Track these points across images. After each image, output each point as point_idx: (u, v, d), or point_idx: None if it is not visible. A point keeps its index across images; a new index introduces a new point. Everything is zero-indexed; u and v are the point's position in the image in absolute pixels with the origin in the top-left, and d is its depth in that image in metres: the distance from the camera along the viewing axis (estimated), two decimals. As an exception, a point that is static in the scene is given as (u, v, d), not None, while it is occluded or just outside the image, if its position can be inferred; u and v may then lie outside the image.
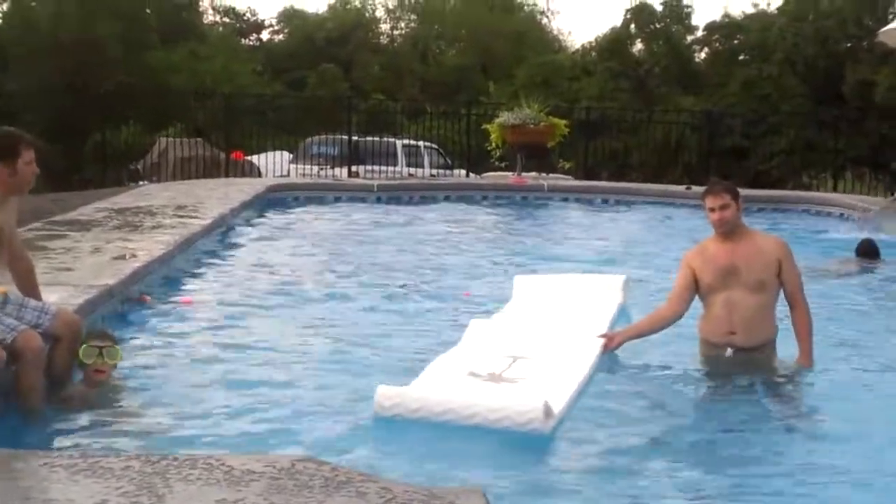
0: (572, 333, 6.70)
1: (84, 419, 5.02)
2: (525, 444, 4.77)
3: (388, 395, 4.99)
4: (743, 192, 6.43)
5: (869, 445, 4.97)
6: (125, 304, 7.17)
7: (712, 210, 6.15)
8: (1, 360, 4.86)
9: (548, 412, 4.84)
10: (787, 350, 6.21)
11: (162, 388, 5.53)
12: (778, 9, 41.24)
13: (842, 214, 15.49)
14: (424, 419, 4.89)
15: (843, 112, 30.79)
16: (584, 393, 5.66)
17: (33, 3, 38.92)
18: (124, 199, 13.12)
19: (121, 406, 5.26)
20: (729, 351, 6.15)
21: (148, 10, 40.64)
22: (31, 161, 5.29)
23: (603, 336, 6.53)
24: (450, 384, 5.43)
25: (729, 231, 6.16)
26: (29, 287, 5.63)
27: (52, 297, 5.96)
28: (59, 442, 4.72)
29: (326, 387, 5.67)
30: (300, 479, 3.36)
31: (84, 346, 5.36)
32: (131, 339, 6.44)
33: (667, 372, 6.31)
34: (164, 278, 8.32)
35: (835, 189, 21.39)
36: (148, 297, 7.50)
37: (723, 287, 6.12)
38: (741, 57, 42.54)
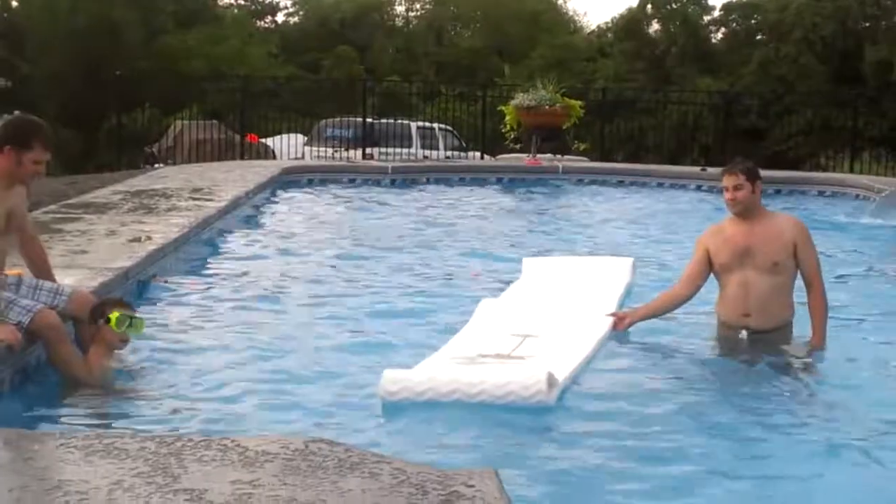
0: (582, 313, 6.70)
1: (99, 400, 5.05)
2: (532, 424, 4.78)
3: (394, 380, 5.00)
4: (760, 172, 6.37)
5: (881, 426, 4.94)
6: (140, 285, 7.19)
7: (727, 189, 6.12)
8: (19, 342, 4.90)
9: (551, 382, 4.87)
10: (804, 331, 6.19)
11: (175, 369, 5.55)
12: (796, -12, 40.96)
13: (858, 195, 15.40)
14: (431, 401, 4.90)
15: (862, 92, 30.60)
16: (590, 367, 5.67)
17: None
18: (140, 181, 13.15)
19: (135, 387, 5.28)
20: (744, 333, 6.13)
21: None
22: (40, 161, 5.23)
23: (613, 315, 6.52)
24: (455, 364, 5.44)
25: (744, 211, 6.12)
26: (42, 270, 5.65)
27: (67, 279, 5.99)
28: (74, 422, 4.74)
29: (337, 368, 5.68)
30: (314, 459, 3.37)
31: (118, 313, 5.36)
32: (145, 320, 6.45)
33: (680, 351, 6.30)
34: (178, 260, 8.34)
35: (851, 170, 21.26)
36: (161, 279, 7.52)
37: (738, 268, 6.10)
38: (758, 37, 42.36)
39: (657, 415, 5.07)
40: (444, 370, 5.26)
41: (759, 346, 6.07)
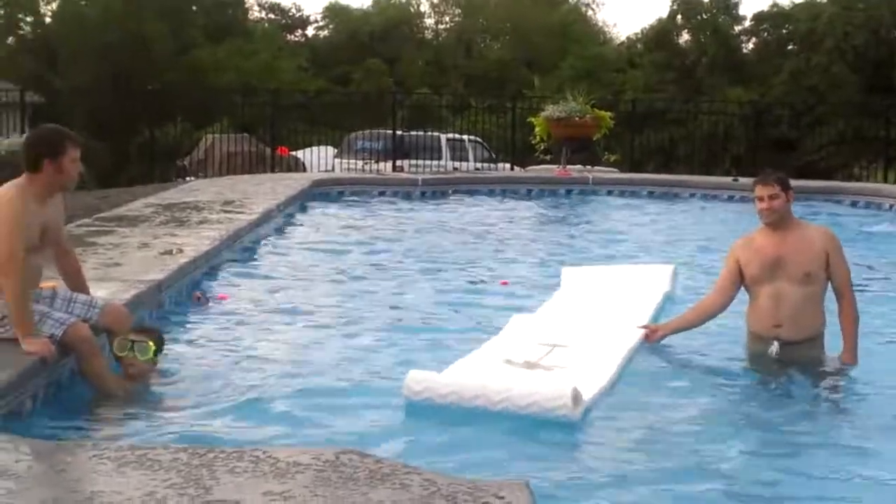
0: (614, 323, 6.68)
1: (132, 412, 5.08)
2: (562, 436, 4.76)
3: (419, 380, 5.02)
4: (791, 182, 6.34)
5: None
6: (180, 303, 7.24)
7: (761, 199, 6.07)
8: (52, 355, 4.94)
9: (576, 399, 4.83)
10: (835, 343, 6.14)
11: (206, 382, 5.57)
12: (827, -3, 40.78)
13: (892, 206, 15.27)
14: (454, 404, 4.90)
15: (895, 102, 30.36)
16: (619, 381, 5.64)
17: (83, 3, 39.36)
18: (171, 194, 13.23)
19: (167, 400, 5.31)
20: (775, 345, 6.08)
21: (194, 8, 40.96)
22: (76, 159, 5.34)
23: (645, 327, 6.49)
24: (481, 370, 5.43)
25: (776, 222, 6.08)
26: (76, 283, 5.71)
27: (100, 292, 6.03)
28: (106, 434, 4.77)
29: (367, 379, 5.70)
30: (345, 471, 3.38)
31: (119, 337, 5.41)
32: (175, 333, 6.48)
33: (711, 364, 6.27)
34: (210, 272, 8.38)
35: (885, 180, 21.09)
36: (200, 296, 7.57)
37: (769, 279, 6.06)
38: (790, 47, 42.14)
39: (687, 429, 5.05)
40: (470, 375, 5.26)
41: (790, 358, 6.03)
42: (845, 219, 14.04)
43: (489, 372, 5.41)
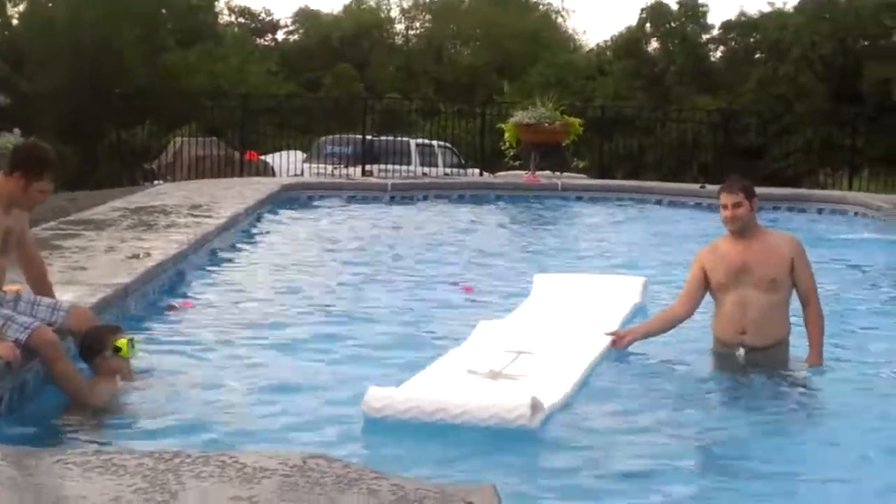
0: (582, 331, 6.70)
1: (97, 417, 5.04)
2: (523, 438, 4.78)
3: (378, 397, 4.96)
4: (758, 190, 6.40)
5: (875, 447, 4.91)
6: (147, 307, 7.21)
7: (725, 207, 6.12)
8: (17, 359, 4.90)
9: (535, 408, 4.83)
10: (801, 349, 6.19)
11: (172, 386, 5.55)
12: (794, 7, 41.10)
13: (856, 213, 15.41)
14: (414, 419, 4.88)
15: (861, 111, 30.65)
16: (583, 389, 5.66)
17: (50, 5, 39.11)
18: (139, 198, 13.16)
19: (133, 404, 5.28)
20: (741, 351, 6.12)
21: (164, 12, 40.77)
22: (45, 190, 5.32)
23: (612, 334, 6.51)
24: (442, 383, 5.41)
25: (741, 229, 6.13)
26: (41, 287, 5.68)
27: (66, 295, 5.99)
28: (72, 439, 4.74)
29: (333, 385, 5.67)
30: (312, 476, 3.37)
31: (125, 340, 5.38)
32: (141, 338, 6.44)
33: (677, 370, 6.30)
34: (177, 277, 8.34)
35: (850, 188, 21.29)
36: (179, 304, 7.55)
37: (734, 286, 6.10)
38: (757, 55, 42.45)
39: (653, 432, 5.07)
40: (429, 390, 5.22)
41: (756, 364, 6.07)
42: (817, 226, 14.20)
43: (450, 384, 5.38)
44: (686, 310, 6.34)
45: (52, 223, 9.95)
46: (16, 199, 5.27)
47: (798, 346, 6.22)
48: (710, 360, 6.33)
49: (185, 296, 7.90)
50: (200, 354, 6.25)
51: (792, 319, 6.25)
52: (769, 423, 5.31)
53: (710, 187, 15.41)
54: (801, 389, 5.93)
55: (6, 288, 5.46)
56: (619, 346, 6.39)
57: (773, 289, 6.05)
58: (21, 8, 40.93)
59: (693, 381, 6.14)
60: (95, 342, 5.39)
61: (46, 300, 5.54)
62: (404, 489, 3.26)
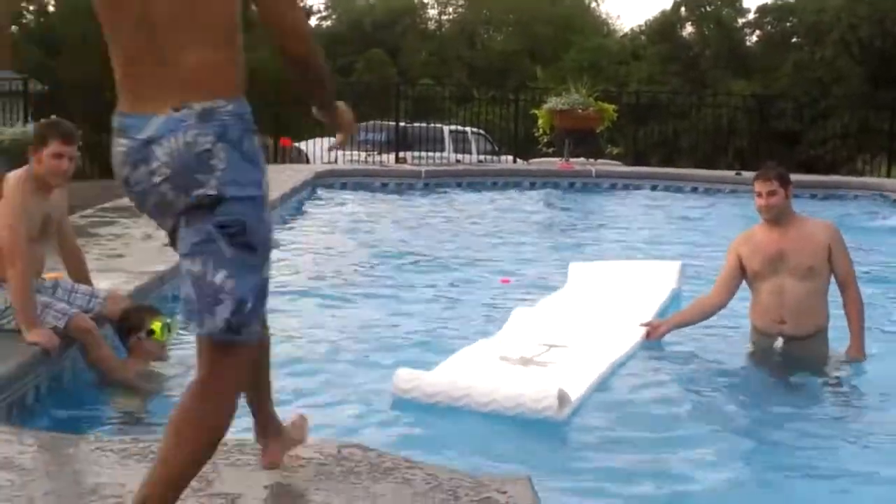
0: (618, 320, 6.67)
1: (134, 404, 5.08)
2: (555, 429, 4.76)
3: (407, 378, 5.02)
4: (794, 177, 6.33)
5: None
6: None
7: (759, 195, 6.06)
8: (55, 346, 4.94)
9: (563, 399, 4.81)
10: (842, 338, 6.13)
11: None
12: (832, -10, 40.68)
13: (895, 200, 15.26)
14: (442, 403, 4.90)
15: (899, 95, 30.31)
16: (616, 379, 5.64)
17: (85, -9, 39.34)
18: (175, 185, 13.20)
19: (170, 391, 5.31)
20: (779, 340, 6.07)
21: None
22: (59, 154, 5.19)
23: (647, 325, 6.48)
24: (472, 369, 5.40)
25: (776, 217, 6.07)
26: (79, 274, 5.72)
27: (103, 283, 6.04)
28: (109, 426, 4.77)
29: (368, 373, 5.67)
30: (346, 465, 3.38)
31: (159, 323, 5.41)
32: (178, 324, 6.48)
33: (714, 360, 6.26)
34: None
35: (889, 174, 21.06)
36: None
37: (771, 274, 6.05)
38: (794, 40, 42.06)
39: (690, 424, 5.04)
40: (458, 375, 5.23)
41: (795, 353, 6.02)
42: (855, 212, 14.07)
43: (479, 370, 5.37)
44: (722, 299, 6.29)
45: (88, 210, 10.02)
46: (44, 177, 5.25)
47: (838, 338, 6.15)
48: (748, 350, 6.28)
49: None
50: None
51: (833, 311, 6.18)
52: (807, 420, 5.25)
53: (746, 174, 15.31)
54: (840, 384, 5.86)
55: (46, 275, 5.50)
56: (654, 336, 6.36)
57: (810, 277, 5.99)
58: (56, -5, 41.22)
59: (729, 373, 6.10)
60: (133, 321, 5.43)
61: (84, 288, 5.58)
62: (438, 478, 3.27)
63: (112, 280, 6.37)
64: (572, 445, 4.76)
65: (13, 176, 5.24)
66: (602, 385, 5.45)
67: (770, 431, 5.08)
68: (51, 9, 40.95)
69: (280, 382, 5.35)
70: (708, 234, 11.84)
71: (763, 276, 6.08)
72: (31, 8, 41.22)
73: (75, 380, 5.25)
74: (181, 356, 5.70)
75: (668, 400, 5.39)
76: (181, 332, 5.58)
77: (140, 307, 5.64)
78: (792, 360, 5.99)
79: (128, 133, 2.73)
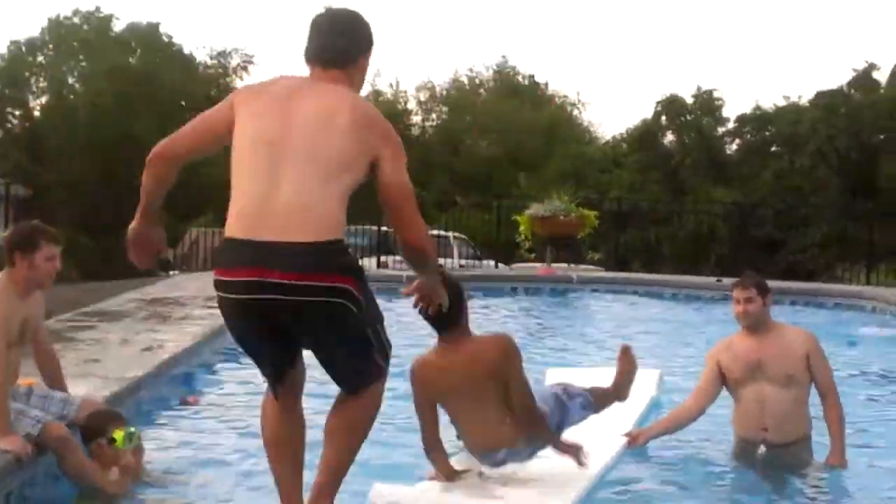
0: (596, 430, 6.59)
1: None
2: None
3: (384, 494, 4.84)
4: (774, 283, 6.37)
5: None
6: (160, 401, 7.16)
7: (738, 302, 6.09)
8: (28, 454, 4.86)
9: None
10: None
11: (185, 482, 5.48)
12: (809, 101, 41.39)
13: (874, 308, 15.32)
14: None
15: (878, 204, 30.69)
16: (600, 489, 5.56)
17: (72, 97, 39.70)
18: (155, 289, 13.19)
19: (146, 499, 5.22)
20: (762, 448, 6.03)
21: (184, 104, 41.36)
22: (52, 257, 5.22)
23: (627, 434, 6.42)
24: (453, 486, 5.20)
25: (754, 325, 6.08)
26: (54, 379, 5.65)
27: (80, 388, 5.97)
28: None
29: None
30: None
31: (122, 432, 5.30)
32: (155, 432, 6.40)
33: (695, 468, 6.20)
34: (190, 370, 8.31)
35: (868, 282, 21.21)
36: (193, 399, 7.51)
37: (752, 382, 6.04)
38: (773, 148, 42.64)
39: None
40: (439, 493, 5.05)
41: (778, 462, 5.97)
42: (835, 320, 14.09)
43: (460, 488, 5.24)
44: (700, 406, 6.27)
45: (67, 315, 9.96)
46: (32, 281, 5.23)
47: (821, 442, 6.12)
48: (731, 457, 6.23)
49: (195, 391, 7.85)
50: (212, 449, 6.18)
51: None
52: None
53: (727, 280, 15.37)
54: (823, 490, 5.81)
55: (20, 381, 5.44)
56: (634, 445, 6.30)
57: (790, 384, 5.98)
58: (43, 100, 41.59)
59: (713, 479, 6.04)
60: (93, 426, 5.34)
61: (59, 394, 5.51)
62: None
63: (88, 385, 6.30)
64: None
65: None
66: (587, 498, 5.36)
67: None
68: (36, 113, 41.28)
69: (263, 496, 5.30)
70: (688, 338, 11.83)
71: (744, 384, 6.07)
72: (17, 112, 41.53)
73: (49, 487, 5.15)
74: (156, 466, 5.62)
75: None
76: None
77: (105, 412, 5.53)
78: (774, 466, 5.94)
79: None
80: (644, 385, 7.91)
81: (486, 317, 13.87)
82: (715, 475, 6.10)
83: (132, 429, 5.40)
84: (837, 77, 78.67)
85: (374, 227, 21.87)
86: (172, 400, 7.39)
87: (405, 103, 55.23)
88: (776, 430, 5.99)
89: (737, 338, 6.23)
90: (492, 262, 22.19)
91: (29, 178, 32.89)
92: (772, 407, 5.98)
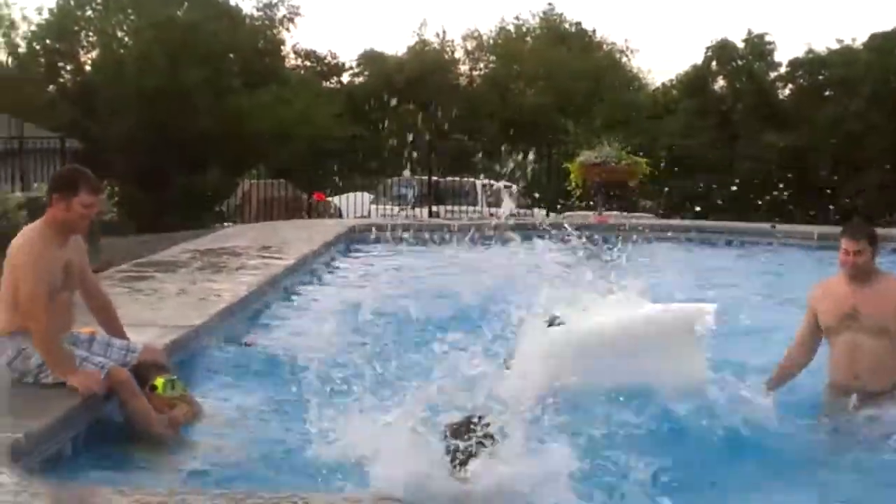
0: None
1: (169, 456, 5.06)
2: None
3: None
4: (830, 230, 6.23)
5: None
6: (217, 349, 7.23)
7: (846, 253, 5.90)
8: (100, 384, 4.99)
9: None
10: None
11: (241, 427, 5.55)
12: (863, 44, 40.60)
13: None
14: None
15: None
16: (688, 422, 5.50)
17: (122, 51, 39.89)
18: (209, 240, 13.29)
19: (204, 445, 5.29)
20: (854, 398, 5.86)
21: (231, 56, 41.39)
22: (89, 204, 5.25)
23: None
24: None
25: (859, 275, 5.91)
26: (109, 322, 5.68)
27: (139, 337, 6.04)
28: (145, 478, 4.75)
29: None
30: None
31: (162, 380, 5.39)
32: (211, 379, 6.48)
33: (789, 415, 6.05)
34: (246, 318, 8.38)
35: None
36: (250, 340, 7.58)
37: (845, 330, 5.92)
38: (826, 93, 41.93)
39: (759, 481, 4.92)
40: None
41: (870, 409, 5.82)
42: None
43: None
44: (804, 356, 6.18)
45: (123, 266, 10.08)
46: (66, 224, 5.27)
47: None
48: (824, 405, 6.11)
49: (253, 335, 7.92)
50: (267, 395, 6.24)
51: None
52: (881, 472, 5.12)
53: (781, 227, 15.20)
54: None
55: (82, 329, 5.52)
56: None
57: (884, 335, 5.84)
58: (94, 55, 41.81)
59: (805, 429, 5.95)
60: (139, 374, 5.43)
61: (120, 342, 5.59)
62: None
63: (147, 334, 6.38)
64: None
65: (30, 229, 5.25)
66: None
67: (842, 488, 5.00)
68: (87, 68, 41.55)
69: (315, 437, 5.35)
70: (742, 287, 11.69)
71: (836, 332, 5.97)
72: (68, 67, 41.84)
73: (113, 431, 5.24)
74: (215, 412, 5.70)
75: (737, 457, 5.27)
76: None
77: (147, 363, 5.60)
78: (866, 415, 5.80)
79: None
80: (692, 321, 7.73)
81: (538, 267, 13.79)
82: (805, 425, 5.97)
83: (174, 376, 5.47)
84: (891, 19, 77.00)
85: (424, 178, 21.88)
86: (228, 347, 7.45)
87: (452, 53, 54.92)
88: (869, 377, 5.87)
89: (835, 282, 6.09)
90: (543, 212, 22.09)
91: (82, 133, 33.22)
92: (864, 355, 5.85)
